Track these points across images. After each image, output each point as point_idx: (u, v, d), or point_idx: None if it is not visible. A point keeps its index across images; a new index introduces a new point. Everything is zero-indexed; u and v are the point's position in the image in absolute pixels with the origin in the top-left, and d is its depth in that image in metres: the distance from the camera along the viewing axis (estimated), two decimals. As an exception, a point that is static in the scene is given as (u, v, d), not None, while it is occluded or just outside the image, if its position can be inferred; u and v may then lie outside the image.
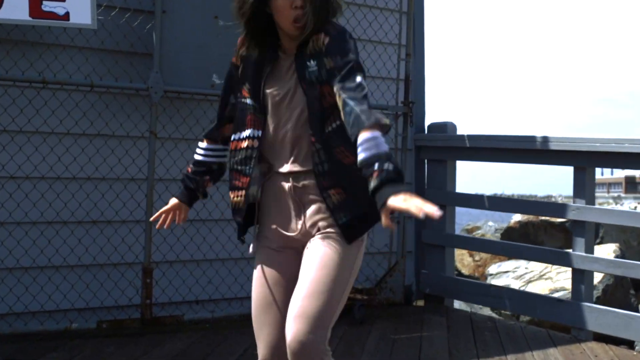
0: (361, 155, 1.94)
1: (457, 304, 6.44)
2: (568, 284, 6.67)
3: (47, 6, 4.12)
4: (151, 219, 2.55)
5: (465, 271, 9.25)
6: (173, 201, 2.47)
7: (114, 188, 4.53)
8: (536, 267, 6.89)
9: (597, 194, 4.62)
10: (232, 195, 2.27)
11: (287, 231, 2.23)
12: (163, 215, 2.47)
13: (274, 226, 2.26)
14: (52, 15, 4.13)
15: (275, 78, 2.20)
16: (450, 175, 5.86)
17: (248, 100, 2.23)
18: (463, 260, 9.21)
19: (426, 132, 6.01)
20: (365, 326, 4.90)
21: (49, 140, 4.31)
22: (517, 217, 8.98)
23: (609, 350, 4.55)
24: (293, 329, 2.05)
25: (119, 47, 4.50)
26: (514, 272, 7.68)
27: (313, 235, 2.18)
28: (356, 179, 2.04)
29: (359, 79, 2.08)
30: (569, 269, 5.19)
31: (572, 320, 4.95)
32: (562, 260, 5.15)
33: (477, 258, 8.94)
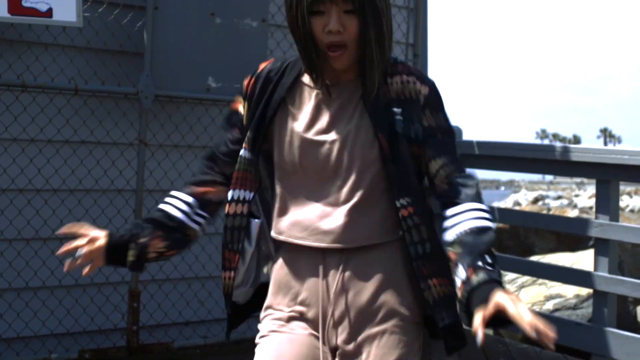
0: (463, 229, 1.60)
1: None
2: (565, 291, 6.40)
3: (28, 2, 3.71)
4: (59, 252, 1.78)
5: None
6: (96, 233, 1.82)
7: (99, 202, 4.12)
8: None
9: (559, 180, 4.30)
10: (224, 276, 1.83)
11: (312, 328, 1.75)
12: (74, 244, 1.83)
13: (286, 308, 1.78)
14: (33, 12, 3.72)
15: (311, 117, 1.74)
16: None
17: (244, 153, 1.80)
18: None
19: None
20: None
21: (28, 150, 3.89)
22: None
23: (637, 381, 4.22)
24: None
25: (107, 47, 4.08)
26: (505, 276, 7.38)
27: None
28: (445, 266, 1.67)
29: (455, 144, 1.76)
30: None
31: (593, 347, 4.60)
32: (583, 281, 4.80)
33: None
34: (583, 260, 6.75)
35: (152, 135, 4.20)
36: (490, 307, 1.45)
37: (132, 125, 4.16)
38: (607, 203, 4.62)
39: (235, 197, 1.78)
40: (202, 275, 4.46)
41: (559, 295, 6.58)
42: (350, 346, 1.72)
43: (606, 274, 4.54)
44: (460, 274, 1.56)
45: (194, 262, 4.42)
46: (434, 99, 1.73)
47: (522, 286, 7.15)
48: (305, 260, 1.74)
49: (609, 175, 4.60)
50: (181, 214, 1.82)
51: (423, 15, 5.58)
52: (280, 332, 1.74)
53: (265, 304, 1.81)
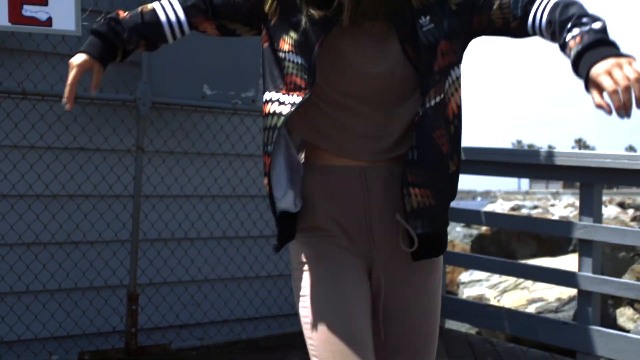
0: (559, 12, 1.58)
1: (453, 323, 6.23)
2: (547, 295, 6.55)
3: (28, 11, 3.80)
4: (64, 97, 1.89)
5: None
6: (80, 59, 1.87)
7: (98, 207, 4.21)
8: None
9: (534, 190, 4.44)
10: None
11: (351, 237, 1.76)
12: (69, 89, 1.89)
13: (332, 222, 1.76)
14: (33, 21, 3.81)
15: (347, 33, 1.71)
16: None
17: (292, 56, 1.74)
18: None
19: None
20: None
21: (28, 156, 3.98)
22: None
23: (621, 377, 4.37)
24: None
25: (105, 55, 4.17)
26: (487, 280, 7.52)
27: (389, 254, 1.77)
28: (445, 181, 1.74)
29: None
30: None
31: (579, 345, 4.75)
32: (568, 281, 4.94)
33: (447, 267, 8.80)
34: (563, 264, 6.91)
35: (149, 141, 4.30)
36: (592, 83, 1.46)
37: (129, 132, 4.25)
38: (590, 206, 4.78)
39: (283, 100, 1.74)
40: (198, 279, 4.56)
41: (540, 299, 6.73)
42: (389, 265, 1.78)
43: (590, 274, 4.70)
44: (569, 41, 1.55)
45: (190, 266, 4.52)
46: None
47: (504, 290, 7.29)
48: (341, 177, 1.75)
49: (592, 179, 4.76)
50: (169, 28, 1.89)
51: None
52: (327, 266, 1.75)
53: (301, 224, 1.79)
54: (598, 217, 4.80)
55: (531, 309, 6.45)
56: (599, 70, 1.43)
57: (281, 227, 1.79)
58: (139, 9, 1.88)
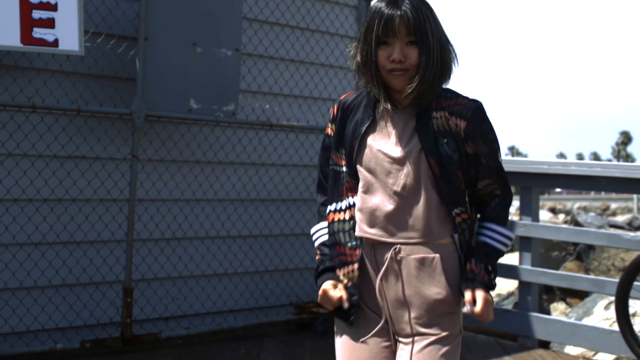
0: (488, 238, 2.10)
1: None
2: (500, 288, 7.21)
3: (37, 33, 4.20)
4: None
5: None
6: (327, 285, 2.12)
7: (97, 210, 4.63)
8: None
9: None
10: (341, 273, 2.12)
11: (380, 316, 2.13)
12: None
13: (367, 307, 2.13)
14: (42, 42, 4.21)
15: (382, 138, 2.09)
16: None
17: (344, 168, 2.13)
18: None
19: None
20: (327, 339, 5.17)
21: (36, 164, 4.38)
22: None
23: (558, 357, 5.00)
24: None
25: (104, 73, 4.61)
26: None
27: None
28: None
29: (500, 159, 2.10)
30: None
31: (520, 329, 5.38)
32: (510, 273, 5.57)
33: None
34: (503, 262, 7.56)
35: (143, 150, 4.75)
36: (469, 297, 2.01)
37: (125, 142, 4.69)
38: (529, 207, 5.43)
39: (346, 205, 2.12)
40: (185, 275, 5.01)
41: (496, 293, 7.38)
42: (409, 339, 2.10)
43: (529, 267, 5.35)
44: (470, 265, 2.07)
45: (178, 263, 4.98)
46: (473, 130, 2.04)
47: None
48: (379, 253, 2.09)
49: (530, 183, 5.42)
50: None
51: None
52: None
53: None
54: (536, 217, 5.46)
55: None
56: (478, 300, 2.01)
57: None
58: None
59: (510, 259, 7.69)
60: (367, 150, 2.08)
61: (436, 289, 2.06)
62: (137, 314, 4.73)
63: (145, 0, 4.57)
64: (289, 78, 5.51)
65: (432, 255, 2.05)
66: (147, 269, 4.83)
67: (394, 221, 2.05)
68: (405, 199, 2.04)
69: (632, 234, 5.19)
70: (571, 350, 5.56)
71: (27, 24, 4.17)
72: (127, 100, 4.66)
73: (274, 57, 5.42)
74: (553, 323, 5.25)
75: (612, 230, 5.94)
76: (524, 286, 5.42)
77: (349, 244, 2.10)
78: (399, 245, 2.05)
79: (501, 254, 2.12)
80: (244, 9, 5.17)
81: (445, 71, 2.05)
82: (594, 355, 5.53)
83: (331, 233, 2.15)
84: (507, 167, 5.40)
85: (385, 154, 2.05)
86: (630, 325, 4.59)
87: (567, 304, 8.46)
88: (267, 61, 5.39)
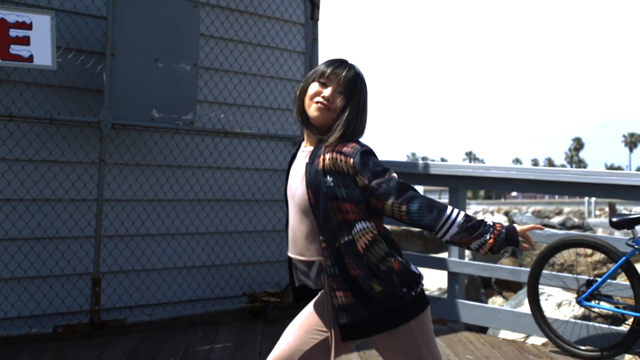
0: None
1: None
2: (430, 285, 7.83)
3: (14, 49, 4.68)
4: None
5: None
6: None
7: (68, 209, 5.13)
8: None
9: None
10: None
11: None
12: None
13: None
14: (18, 58, 4.69)
15: (294, 172, 2.52)
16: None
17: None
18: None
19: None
20: (278, 325, 5.73)
21: (13, 167, 4.88)
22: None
23: (480, 337, 5.63)
24: None
25: (75, 85, 5.12)
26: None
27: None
28: (360, 289, 2.39)
29: (395, 179, 2.34)
30: (435, 271, 6.04)
31: (449, 314, 6.02)
32: (441, 265, 6.20)
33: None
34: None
35: (109, 155, 5.27)
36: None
37: (93, 147, 5.20)
38: (456, 206, 6.05)
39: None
40: (148, 267, 5.54)
41: (426, 289, 8.01)
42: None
43: (457, 259, 5.98)
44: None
45: (141, 256, 5.50)
46: (360, 165, 2.33)
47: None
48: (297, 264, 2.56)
49: (457, 185, 6.04)
50: None
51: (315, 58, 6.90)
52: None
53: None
54: (463, 215, 6.07)
55: None
56: None
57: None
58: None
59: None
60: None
61: None
62: (104, 303, 5.24)
63: (112, 20, 5.09)
64: (242, 90, 6.09)
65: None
66: (113, 262, 5.34)
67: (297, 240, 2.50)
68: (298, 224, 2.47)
69: (542, 230, 5.86)
70: (507, 335, 6.15)
71: (4, 42, 4.64)
72: (95, 110, 5.17)
73: (229, 71, 5.99)
74: (477, 308, 5.89)
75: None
76: (452, 276, 6.04)
77: None
78: None
79: (475, 229, 2.36)
80: (202, 27, 5.72)
81: (358, 127, 2.46)
82: (525, 339, 6.15)
83: None
84: (436, 171, 6.05)
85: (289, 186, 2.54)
86: (540, 309, 5.25)
87: (503, 297, 9.21)
88: (223, 74, 5.96)
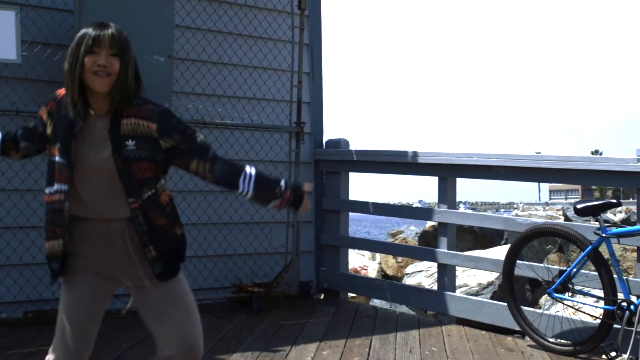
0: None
1: (378, 302, 7.22)
2: (470, 281, 7.58)
3: (-22, 45, 4.91)
4: None
5: (389, 272, 10.09)
6: None
7: (38, 198, 5.27)
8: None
9: (554, 200, 5.33)
10: (49, 245, 2.55)
11: (103, 266, 2.57)
12: None
13: (88, 262, 2.56)
14: (-18, 52, 4.91)
15: (87, 139, 2.49)
16: (343, 185, 6.73)
17: (57, 158, 2.51)
18: (387, 262, 10.06)
19: (324, 147, 6.88)
20: (262, 315, 5.72)
21: (-6, 161, 5.09)
22: (431, 222, 9.88)
23: (462, 330, 5.41)
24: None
25: (41, 78, 5.29)
26: (426, 271, 8.56)
27: (141, 280, 2.56)
28: (167, 236, 2.57)
29: (201, 138, 2.54)
30: (471, 269, 5.89)
31: (437, 307, 5.83)
32: (430, 256, 6.00)
33: (399, 260, 9.81)
34: (494, 254, 7.85)
35: (80, 145, 5.40)
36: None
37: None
38: (445, 195, 5.85)
39: (58, 189, 2.51)
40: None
41: (465, 285, 7.77)
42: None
43: (445, 250, 5.76)
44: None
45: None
46: (163, 127, 2.48)
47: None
48: (91, 228, 2.53)
49: (445, 173, 5.83)
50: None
51: (317, 47, 6.84)
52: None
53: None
54: (452, 205, 5.86)
55: (458, 293, 7.46)
56: None
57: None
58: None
59: (498, 253, 7.98)
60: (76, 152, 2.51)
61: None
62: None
63: (79, 13, 5.22)
64: (222, 80, 6.10)
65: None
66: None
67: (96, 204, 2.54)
68: (99, 189, 2.52)
69: (523, 219, 5.58)
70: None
71: (-32, 38, 4.88)
72: (64, 102, 5.31)
73: (206, 61, 6.02)
74: (463, 301, 5.68)
75: (507, 215, 6.34)
76: (441, 268, 5.84)
77: (59, 223, 2.52)
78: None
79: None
80: (177, 19, 5.78)
81: (137, 81, 2.58)
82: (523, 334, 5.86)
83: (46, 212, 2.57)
84: (424, 160, 5.85)
85: (87, 156, 2.50)
86: (515, 300, 5.01)
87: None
88: (200, 65, 6.00)
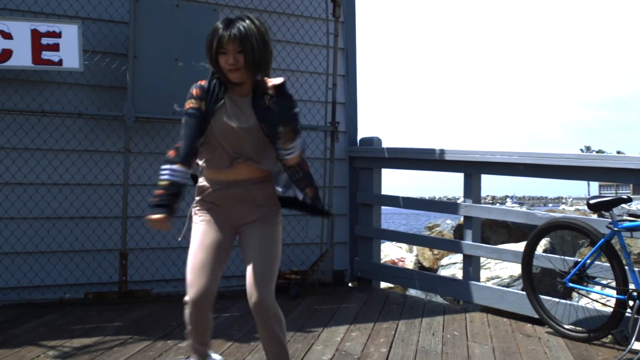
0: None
1: (414, 292, 7.61)
2: (502, 273, 7.90)
3: (45, 55, 5.46)
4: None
5: (426, 264, 10.44)
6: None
7: (98, 191, 5.87)
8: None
9: (603, 195, 5.56)
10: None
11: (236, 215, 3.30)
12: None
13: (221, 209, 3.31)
14: (49, 62, 5.47)
15: (235, 113, 3.09)
16: (376, 180, 7.17)
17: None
18: (424, 254, 10.42)
19: (358, 145, 7.33)
20: (298, 300, 6.19)
21: (47, 155, 5.68)
22: (466, 216, 10.19)
23: (485, 317, 5.79)
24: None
25: (101, 84, 5.85)
26: (460, 263, 8.93)
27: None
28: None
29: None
30: (503, 262, 6.22)
31: (462, 295, 6.22)
32: (456, 248, 6.40)
33: (435, 252, 10.14)
34: (518, 247, 8.19)
35: (134, 145, 5.95)
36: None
37: (119, 138, 5.92)
38: (471, 191, 6.23)
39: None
40: (173, 245, 6.13)
41: (497, 277, 8.11)
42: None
43: (470, 242, 6.15)
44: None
45: (166, 235, 6.11)
46: (284, 107, 3.05)
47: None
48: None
49: (471, 170, 6.21)
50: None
51: (352, 51, 7.28)
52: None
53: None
54: (477, 199, 6.25)
55: (489, 284, 7.79)
56: None
57: None
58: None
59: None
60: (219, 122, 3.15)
61: None
62: (133, 275, 5.94)
63: (134, 25, 5.76)
64: (263, 83, 6.58)
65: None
66: (140, 239, 6.03)
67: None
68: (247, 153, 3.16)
69: (542, 213, 5.93)
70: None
71: (37, 49, 5.43)
72: (120, 106, 5.86)
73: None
74: (485, 289, 6.07)
75: (527, 210, 6.66)
76: (466, 259, 6.23)
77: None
78: None
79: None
80: (222, 27, 6.27)
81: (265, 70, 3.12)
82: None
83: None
84: (451, 157, 6.34)
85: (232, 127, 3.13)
86: (534, 289, 5.38)
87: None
88: (243, 70, 6.49)
